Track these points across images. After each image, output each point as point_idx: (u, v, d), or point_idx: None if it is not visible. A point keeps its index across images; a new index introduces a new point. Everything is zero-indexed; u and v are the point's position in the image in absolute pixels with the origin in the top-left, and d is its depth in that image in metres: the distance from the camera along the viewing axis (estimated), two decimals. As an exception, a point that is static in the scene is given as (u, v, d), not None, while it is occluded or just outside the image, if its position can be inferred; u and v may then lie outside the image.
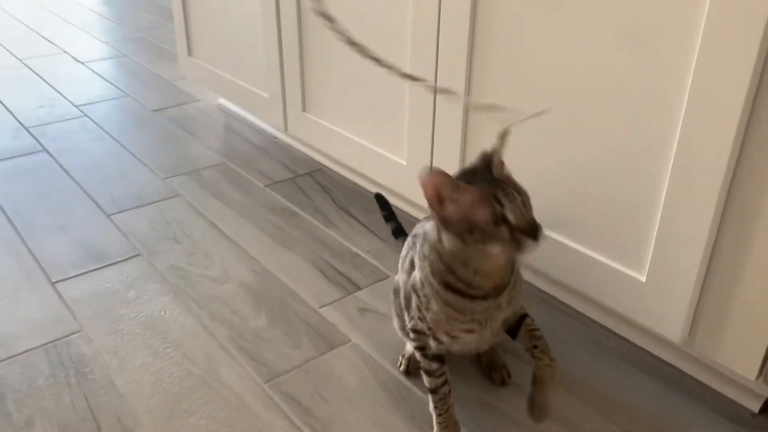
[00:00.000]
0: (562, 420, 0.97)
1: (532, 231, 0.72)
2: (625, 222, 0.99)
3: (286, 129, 1.68)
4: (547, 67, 1.02)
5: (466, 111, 1.17)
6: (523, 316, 0.87)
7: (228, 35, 1.78)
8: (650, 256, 0.96)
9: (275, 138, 1.90)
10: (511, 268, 0.82)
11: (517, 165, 1.10)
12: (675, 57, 0.86)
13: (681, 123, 0.87)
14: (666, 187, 0.91)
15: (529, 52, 1.03)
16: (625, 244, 1.00)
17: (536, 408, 0.84)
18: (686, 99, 0.85)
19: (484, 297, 0.79)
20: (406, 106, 1.30)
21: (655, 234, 0.95)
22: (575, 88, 0.99)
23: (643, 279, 0.98)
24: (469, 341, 0.87)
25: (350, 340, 1.13)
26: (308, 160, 1.77)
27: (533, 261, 1.15)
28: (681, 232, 0.91)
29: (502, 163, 0.76)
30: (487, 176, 0.74)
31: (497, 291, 0.79)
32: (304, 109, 1.59)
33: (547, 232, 1.09)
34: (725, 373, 1.01)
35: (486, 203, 0.72)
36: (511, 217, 0.71)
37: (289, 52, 1.56)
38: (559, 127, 1.03)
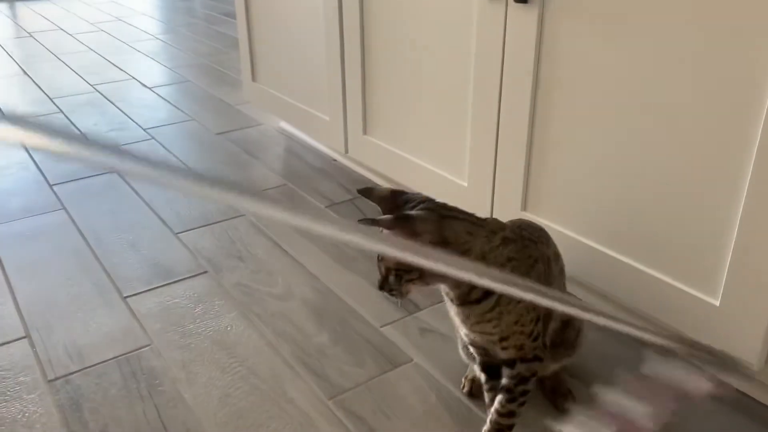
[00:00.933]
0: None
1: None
2: (697, 244, 0.97)
3: (346, 151, 1.71)
4: (615, 87, 1.01)
5: (530, 132, 1.17)
6: (507, 388, 0.91)
7: (291, 61, 1.84)
8: (724, 278, 0.94)
9: (334, 160, 1.93)
10: (476, 297, 0.87)
11: (590, 188, 1.09)
12: (751, 74, 0.85)
13: (759, 138, 0.85)
14: (742, 205, 0.89)
15: (594, 74, 1.03)
16: (697, 267, 0.98)
17: None
18: (763, 117, 0.84)
19: (452, 300, 0.90)
20: (468, 127, 1.31)
21: (729, 255, 0.93)
22: (647, 111, 0.98)
23: (717, 303, 0.96)
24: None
25: (412, 360, 1.13)
26: (366, 181, 1.79)
27: (599, 284, 1.13)
28: (758, 252, 0.89)
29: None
30: None
31: (460, 301, 0.88)
32: (365, 132, 1.62)
33: (616, 254, 1.08)
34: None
35: None
36: None
37: (352, 77, 1.59)
38: (629, 149, 1.02)
